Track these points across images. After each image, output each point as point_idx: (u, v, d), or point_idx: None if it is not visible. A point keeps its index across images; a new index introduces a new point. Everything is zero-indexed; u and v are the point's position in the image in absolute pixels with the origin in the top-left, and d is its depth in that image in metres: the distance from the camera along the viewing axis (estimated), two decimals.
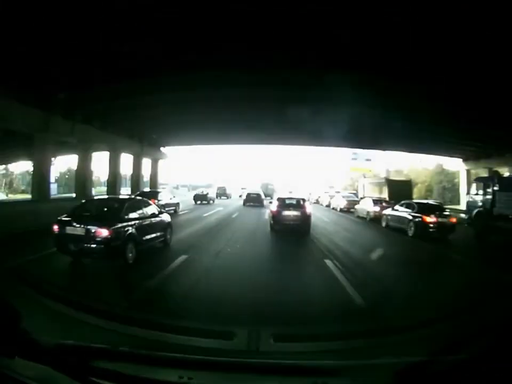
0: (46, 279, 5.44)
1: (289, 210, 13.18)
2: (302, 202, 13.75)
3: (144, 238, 7.83)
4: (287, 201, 13.68)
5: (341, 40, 8.67)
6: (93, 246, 6.65)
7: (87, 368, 1.54)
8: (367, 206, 19.47)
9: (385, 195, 23.01)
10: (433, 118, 15.62)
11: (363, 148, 30.80)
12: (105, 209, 8.02)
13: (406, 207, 14.56)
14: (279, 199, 14.09)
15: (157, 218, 8.71)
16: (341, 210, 24.18)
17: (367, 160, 38.34)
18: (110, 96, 14.41)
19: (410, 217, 13.60)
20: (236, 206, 25.13)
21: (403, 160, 51.30)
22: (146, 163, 27.61)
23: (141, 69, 10.95)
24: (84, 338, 1.99)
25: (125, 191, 27.43)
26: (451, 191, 41.64)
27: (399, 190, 22.33)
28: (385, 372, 1.55)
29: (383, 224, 15.94)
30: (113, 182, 22.76)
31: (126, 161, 26.18)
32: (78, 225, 6.83)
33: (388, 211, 15.90)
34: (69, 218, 7.08)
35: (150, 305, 4.79)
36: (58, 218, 7.13)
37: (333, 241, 11.47)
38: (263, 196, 28.08)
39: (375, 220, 17.60)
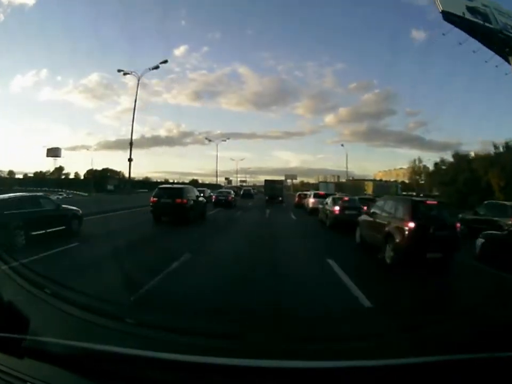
0: (54, 278, 5.17)
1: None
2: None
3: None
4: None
5: None
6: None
7: (94, 369, 1.58)
8: None
9: None
10: None
11: None
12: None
13: None
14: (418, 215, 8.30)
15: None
16: None
17: None
18: None
19: None
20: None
21: None
22: None
23: None
24: (91, 339, 2.05)
25: None
26: None
27: None
28: (391, 373, 1.55)
29: None
30: None
31: None
32: (223, 196, 22.59)
33: None
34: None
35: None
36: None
37: None
38: (252, 192, 47.15)
39: None
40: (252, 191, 49.08)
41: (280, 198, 36.77)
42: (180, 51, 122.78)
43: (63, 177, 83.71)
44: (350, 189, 42.65)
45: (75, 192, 51.88)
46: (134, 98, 29.72)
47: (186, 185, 20.80)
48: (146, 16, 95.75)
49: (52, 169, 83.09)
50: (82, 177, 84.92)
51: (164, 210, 14.94)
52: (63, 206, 11.55)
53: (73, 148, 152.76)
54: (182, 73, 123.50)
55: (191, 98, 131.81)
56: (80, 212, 12.18)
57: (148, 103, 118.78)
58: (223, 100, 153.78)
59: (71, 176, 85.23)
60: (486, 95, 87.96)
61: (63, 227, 10.95)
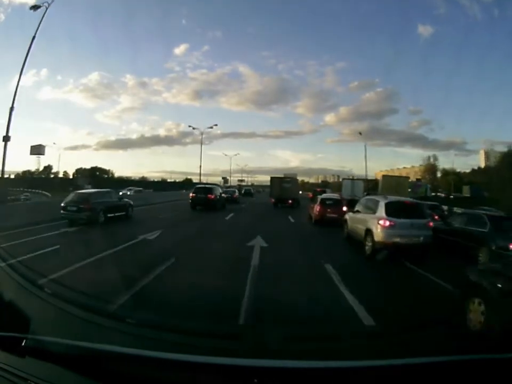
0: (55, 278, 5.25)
1: None
2: None
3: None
4: None
5: None
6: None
7: (94, 368, 1.59)
8: None
9: None
10: None
11: None
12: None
13: None
14: None
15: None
16: None
17: None
18: None
19: None
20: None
21: None
22: None
23: None
24: (92, 339, 2.07)
25: None
26: None
27: None
28: (392, 373, 1.57)
29: None
30: None
31: None
32: (229, 194, 29.50)
33: None
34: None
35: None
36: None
37: None
38: (252, 191, 55.41)
39: None
40: (251, 190, 59.62)
41: (290, 201, 28.04)
42: (180, 50, 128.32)
43: (52, 176, 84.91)
44: (388, 188, 26.86)
45: (43, 192, 47.92)
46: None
47: (214, 185, 30.09)
48: (147, 15, 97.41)
49: (41, 168, 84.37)
50: (71, 177, 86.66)
51: (199, 202, 22.69)
52: (124, 199, 16.83)
53: (74, 147, 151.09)
54: (182, 72, 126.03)
55: (191, 98, 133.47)
56: (132, 202, 17.25)
57: (148, 102, 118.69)
58: (223, 99, 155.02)
59: (60, 175, 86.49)
60: (489, 93, 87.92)
61: (124, 213, 15.97)
